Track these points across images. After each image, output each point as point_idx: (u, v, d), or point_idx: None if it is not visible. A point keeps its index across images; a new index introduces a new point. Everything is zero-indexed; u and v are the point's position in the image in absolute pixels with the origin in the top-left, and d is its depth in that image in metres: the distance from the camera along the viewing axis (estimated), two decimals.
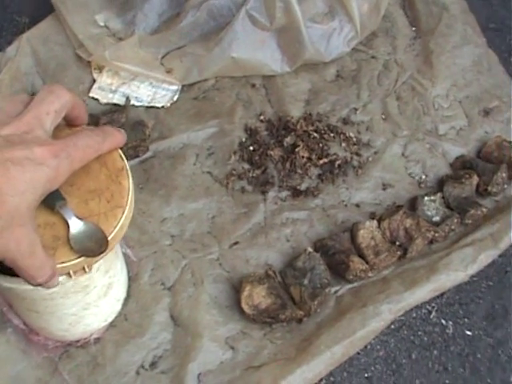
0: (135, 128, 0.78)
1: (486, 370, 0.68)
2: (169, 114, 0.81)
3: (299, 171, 0.78)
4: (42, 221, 0.50)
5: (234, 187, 0.77)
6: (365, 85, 0.85)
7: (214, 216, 0.75)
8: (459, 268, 0.70)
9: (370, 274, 0.70)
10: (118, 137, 0.53)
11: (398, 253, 0.71)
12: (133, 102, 0.82)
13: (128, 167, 0.54)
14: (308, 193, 0.77)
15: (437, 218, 0.74)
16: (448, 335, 0.70)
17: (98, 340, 0.66)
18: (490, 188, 0.76)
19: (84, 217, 0.51)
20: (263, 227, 0.74)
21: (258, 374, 0.64)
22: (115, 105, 0.81)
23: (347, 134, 0.81)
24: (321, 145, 0.79)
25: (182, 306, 0.68)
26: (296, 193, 0.77)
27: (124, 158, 0.54)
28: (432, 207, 0.75)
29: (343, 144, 0.81)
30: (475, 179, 0.77)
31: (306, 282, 0.68)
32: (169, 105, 0.82)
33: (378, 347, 0.69)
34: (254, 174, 0.77)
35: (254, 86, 0.85)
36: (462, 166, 0.79)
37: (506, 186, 0.77)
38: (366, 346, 0.68)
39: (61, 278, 0.51)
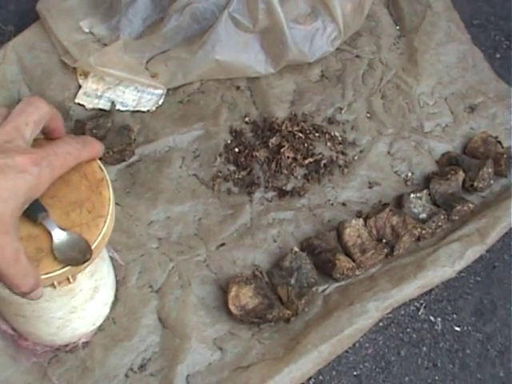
0: (121, 132, 0.78)
1: (475, 365, 0.68)
2: (154, 117, 0.82)
3: (285, 171, 0.78)
4: (25, 233, 0.51)
5: (220, 189, 0.77)
6: (349, 84, 0.86)
7: (200, 218, 0.75)
8: (446, 264, 0.70)
9: (357, 272, 0.70)
10: (96, 146, 0.55)
11: (385, 250, 0.71)
12: (118, 106, 0.82)
13: (108, 178, 0.55)
14: (294, 193, 0.77)
15: (423, 215, 0.74)
16: (437, 331, 0.70)
17: (86, 344, 0.66)
18: (476, 184, 0.76)
19: (66, 228, 0.52)
20: (250, 228, 0.74)
21: (246, 374, 0.64)
22: (101, 110, 0.81)
23: (332, 134, 0.81)
24: (306, 145, 0.79)
25: (170, 308, 0.68)
26: (282, 193, 0.77)
27: (104, 169, 0.55)
28: (418, 204, 0.75)
29: (329, 143, 0.81)
30: (461, 175, 0.77)
31: (292, 281, 0.68)
32: (154, 109, 0.82)
33: (367, 345, 0.69)
34: (240, 176, 0.78)
35: (238, 88, 0.85)
36: (447, 163, 0.79)
37: (492, 182, 0.77)
38: (354, 344, 0.68)
39: (45, 290, 0.52)
